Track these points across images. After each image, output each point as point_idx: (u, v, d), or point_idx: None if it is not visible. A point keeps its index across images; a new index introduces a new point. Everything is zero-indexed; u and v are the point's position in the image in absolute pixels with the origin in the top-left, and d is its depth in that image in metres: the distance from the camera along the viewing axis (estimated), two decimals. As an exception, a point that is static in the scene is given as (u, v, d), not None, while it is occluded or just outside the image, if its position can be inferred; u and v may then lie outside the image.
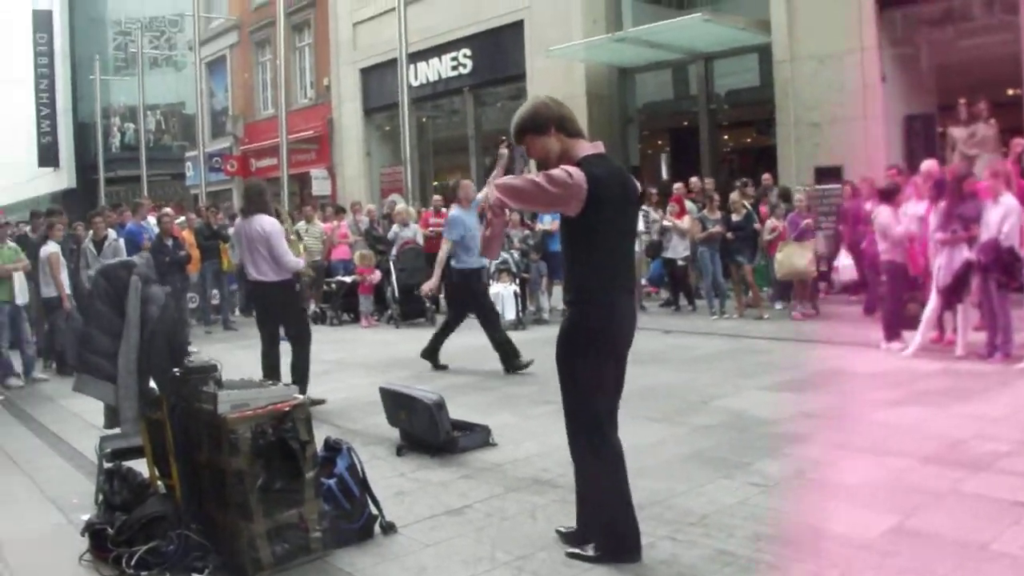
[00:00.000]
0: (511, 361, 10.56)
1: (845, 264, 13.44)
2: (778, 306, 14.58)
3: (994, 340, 9.88)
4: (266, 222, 9.03)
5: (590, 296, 4.52)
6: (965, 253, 9.93)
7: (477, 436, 7.28)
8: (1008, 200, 9.77)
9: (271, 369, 9.05)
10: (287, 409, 4.85)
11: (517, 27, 22.49)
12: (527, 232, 15.37)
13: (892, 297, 11.08)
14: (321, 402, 9.03)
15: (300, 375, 9.08)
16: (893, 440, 6.86)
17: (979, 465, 6.12)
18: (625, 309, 4.64)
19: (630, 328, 4.70)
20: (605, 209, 4.37)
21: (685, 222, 14.92)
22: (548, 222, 15.51)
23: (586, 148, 4.53)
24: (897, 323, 10.88)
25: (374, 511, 5.27)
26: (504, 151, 4.96)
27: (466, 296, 11.00)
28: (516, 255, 15.00)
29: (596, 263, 4.49)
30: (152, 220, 15.50)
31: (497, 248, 4.85)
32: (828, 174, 15.80)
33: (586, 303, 4.53)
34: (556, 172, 4.32)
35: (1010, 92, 15.87)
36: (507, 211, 4.52)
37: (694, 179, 16.70)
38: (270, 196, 9.99)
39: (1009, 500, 5.42)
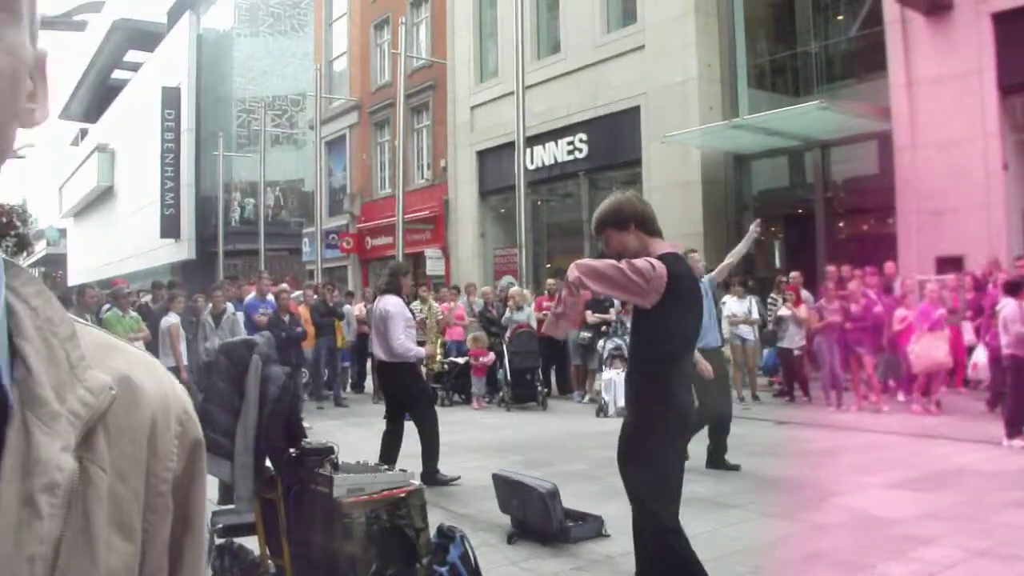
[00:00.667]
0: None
1: (981, 362, 13.16)
2: (900, 398, 14.29)
3: None
4: (390, 303, 9.24)
5: (657, 397, 4.56)
6: None
7: (590, 526, 7.27)
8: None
9: (388, 449, 9.18)
10: (403, 495, 4.94)
11: (634, 112, 22.71)
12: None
13: (1016, 393, 10.81)
14: (456, 479, 9.16)
15: (428, 454, 9.25)
16: (1020, 543, 6.70)
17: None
18: (691, 411, 4.72)
19: (692, 430, 4.87)
20: (680, 305, 4.47)
21: (802, 311, 14.81)
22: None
23: (664, 247, 4.66)
24: (1020, 420, 10.60)
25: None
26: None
27: None
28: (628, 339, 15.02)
29: (674, 358, 4.57)
30: (271, 296, 15.91)
31: (564, 328, 4.92)
32: (950, 264, 15.55)
33: (655, 404, 4.58)
34: (640, 262, 4.41)
35: None
36: (583, 291, 4.56)
37: (831, 267, 16.49)
38: (407, 278, 10.16)
39: None
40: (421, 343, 10.73)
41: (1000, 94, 16.21)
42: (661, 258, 4.48)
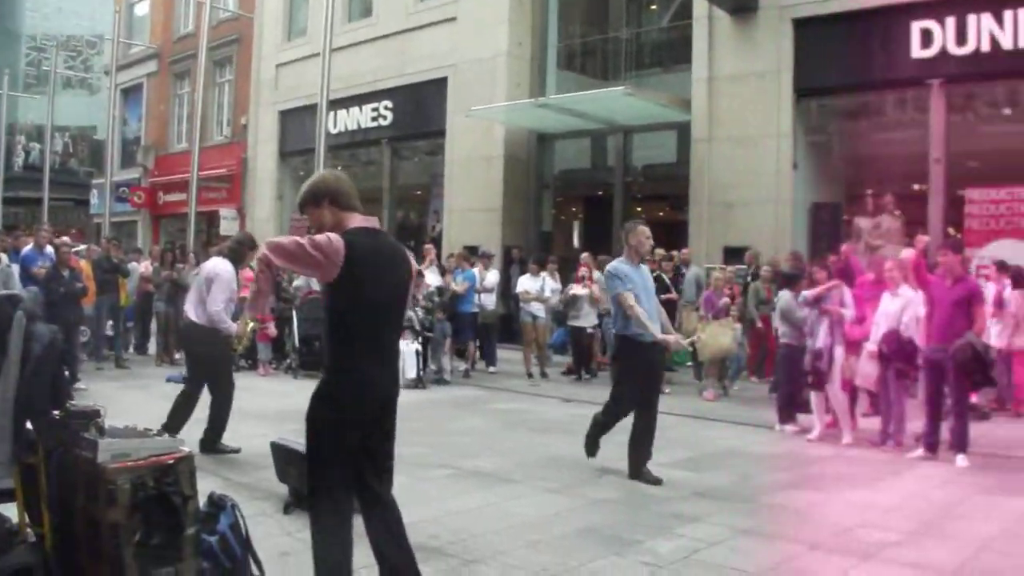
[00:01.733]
0: None
1: None
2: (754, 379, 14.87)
3: (887, 428, 10.09)
4: (224, 268, 8.95)
5: (340, 366, 4.58)
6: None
7: (366, 496, 7.09)
8: (907, 291, 10.05)
9: (177, 412, 8.86)
10: (171, 462, 4.66)
11: (441, 84, 22.60)
12: (432, 289, 15.23)
13: (787, 380, 11.24)
14: (236, 450, 8.84)
15: (215, 424, 8.92)
16: (783, 523, 6.93)
17: (867, 553, 6.18)
18: (379, 381, 4.68)
19: (385, 401, 4.78)
20: (362, 280, 4.48)
21: (595, 290, 14.97)
22: (459, 283, 15.49)
23: (356, 221, 4.66)
24: (791, 406, 11.02)
25: (255, 572, 5.09)
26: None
27: None
28: (420, 313, 14.84)
29: (351, 330, 4.58)
30: (50, 249, 14.84)
31: (263, 304, 5.19)
32: (736, 254, 16.06)
33: (335, 373, 4.60)
34: (320, 236, 4.43)
35: (916, 187, 16.38)
36: (273, 269, 4.63)
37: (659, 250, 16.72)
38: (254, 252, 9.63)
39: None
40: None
41: (795, 96, 16.86)
42: (348, 232, 4.52)
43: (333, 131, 23.83)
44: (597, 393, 13.78)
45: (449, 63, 22.32)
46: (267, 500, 7.14)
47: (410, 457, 8.88)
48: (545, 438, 10.39)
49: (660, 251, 15.23)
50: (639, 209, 21.45)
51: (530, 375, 15.57)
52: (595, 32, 22.30)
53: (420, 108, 23.33)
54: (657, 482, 8.06)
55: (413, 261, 5.00)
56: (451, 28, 22.42)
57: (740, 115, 17.25)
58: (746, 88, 17.28)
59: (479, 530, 6.46)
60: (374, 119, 24.63)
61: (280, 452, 7.25)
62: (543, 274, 16.22)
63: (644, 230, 8.56)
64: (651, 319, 8.25)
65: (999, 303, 12.33)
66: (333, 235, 4.45)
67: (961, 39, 15.17)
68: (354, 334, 4.57)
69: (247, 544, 5.07)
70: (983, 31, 14.98)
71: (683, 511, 7.18)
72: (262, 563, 5.07)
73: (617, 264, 8.54)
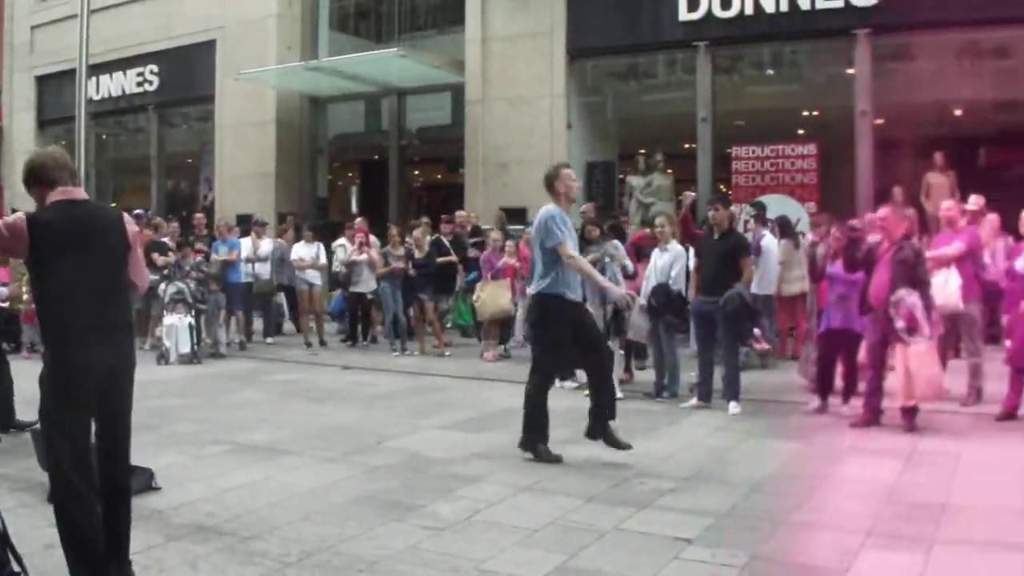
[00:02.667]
0: None
1: None
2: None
3: (661, 380, 10.26)
4: None
5: (52, 347, 4.55)
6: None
7: (138, 479, 6.59)
8: (675, 247, 10.25)
9: None
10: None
11: (209, 46, 21.60)
12: (199, 259, 14.54)
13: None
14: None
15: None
16: (562, 479, 6.95)
17: (642, 503, 6.26)
18: (89, 353, 4.52)
19: (102, 371, 4.59)
20: (53, 253, 4.45)
21: (373, 255, 14.68)
22: (225, 252, 14.88)
23: (55, 195, 4.61)
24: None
25: (16, 567, 4.62)
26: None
27: None
28: (192, 285, 14.15)
29: (52, 305, 4.55)
30: None
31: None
32: (513, 215, 16.06)
33: (49, 354, 4.57)
34: (10, 216, 4.49)
35: (686, 146, 16.84)
36: None
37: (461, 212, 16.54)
38: None
39: (670, 536, 5.55)
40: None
41: (568, 57, 16.99)
42: (39, 210, 4.56)
43: (96, 97, 22.47)
44: (377, 359, 13.64)
45: (217, 25, 21.36)
46: (30, 491, 6.57)
47: (185, 435, 8.53)
48: (323, 407, 10.15)
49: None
50: (416, 172, 21.37)
51: (308, 344, 15.18)
52: (368, -8, 21.86)
53: (188, 72, 22.23)
54: (626, 447, 7.49)
55: (131, 227, 4.81)
56: (220, -12, 21.46)
57: (514, 76, 17.30)
58: (519, 49, 17.31)
59: (256, 505, 6.23)
60: (139, 84, 23.31)
61: (41, 439, 6.67)
62: (316, 242, 15.75)
63: (569, 172, 7.92)
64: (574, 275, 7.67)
65: (756, 251, 12.70)
66: (18, 214, 4.44)
67: (726, 3, 15.67)
68: (61, 311, 4.48)
69: (5, 538, 4.61)
70: (748, -6, 15.46)
71: (463, 472, 7.13)
72: (22, 558, 4.60)
73: (551, 207, 7.70)
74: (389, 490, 6.64)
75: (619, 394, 10.20)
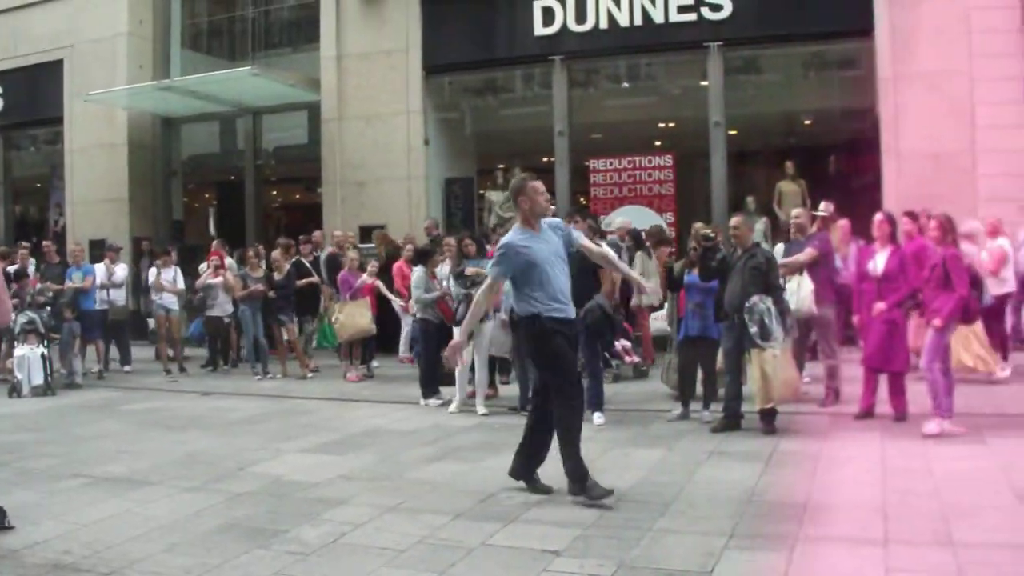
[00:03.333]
0: None
1: None
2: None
3: (526, 394, 10.24)
4: None
5: None
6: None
7: (-11, 519, 6.30)
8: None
9: None
10: None
11: (56, 66, 20.76)
12: (39, 287, 13.95)
13: (427, 354, 11.25)
14: None
15: None
16: (428, 497, 6.88)
17: (510, 517, 6.24)
18: None
19: None
20: None
21: (229, 278, 14.34)
22: (79, 279, 14.34)
23: None
24: (433, 380, 11.00)
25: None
26: None
27: None
28: (45, 314, 13.56)
29: None
30: None
31: None
32: (370, 233, 15.93)
33: None
34: None
35: (544, 160, 16.97)
36: None
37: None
38: None
39: (538, 549, 5.54)
40: None
41: (425, 73, 16.97)
42: None
43: (-64, 119, 21.45)
44: (239, 384, 13.36)
45: (65, 44, 20.55)
46: None
47: (39, 470, 8.21)
48: (184, 435, 9.85)
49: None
50: (274, 193, 21.01)
51: (168, 371, 14.74)
52: (221, 11, 21.41)
53: (35, 93, 21.32)
54: (547, 491, 6.89)
55: None
56: (67, 5, 20.65)
57: (370, 93, 17.19)
58: (375, 66, 17.21)
59: (115, 539, 5.98)
60: (-17, 105, 22.31)
61: None
62: (174, 266, 15.29)
63: (536, 186, 6.89)
64: (560, 291, 6.86)
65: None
66: None
67: (581, 17, 15.89)
68: None
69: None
70: (601, 9, 15.77)
71: (328, 495, 7.00)
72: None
73: (508, 239, 6.91)
74: (252, 517, 6.47)
75: (483, 410, 10.24)
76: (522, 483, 7.02)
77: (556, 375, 6.81)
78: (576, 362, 7.18)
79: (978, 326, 10.51)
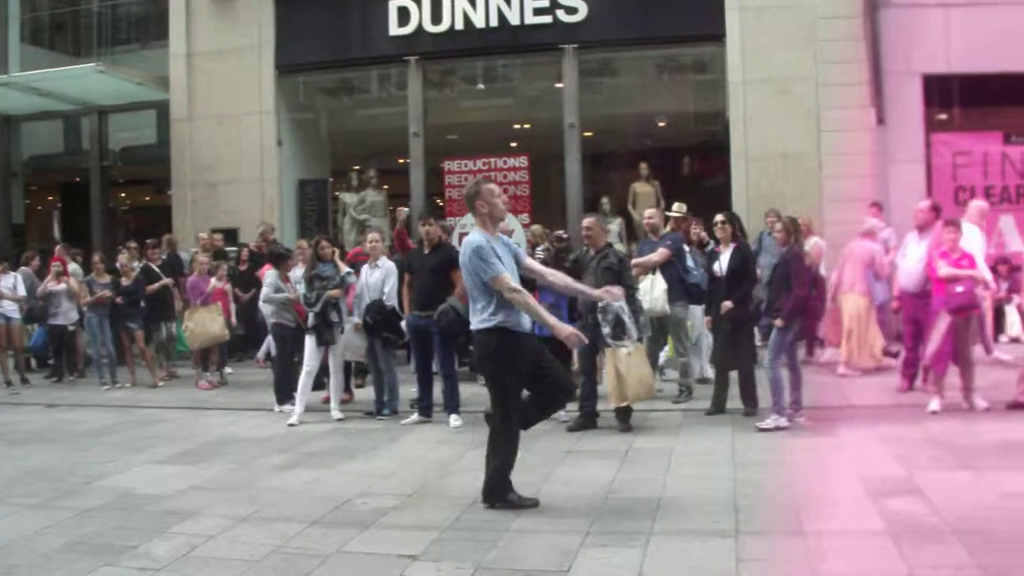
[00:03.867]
0: None
1: None
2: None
3: (382, 398, 10.22)
4: None
5: None
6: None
7: None
8: (386, 263, 10.35)
9: None
10: None
11: None
12: None
13: (282, 359, 11.10)
14: None
15: None
16: (282, 505, 6.79)
17: (366, 523, 6.21)
18: None
19: None
20: None
21: (73, 284, 13.83)
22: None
23: None
24: (288, 385, 10.82)
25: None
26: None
27: None
28: None
29: None
30: None
31: None
32: (225, 236, 15.57)
33: None
34: None
35: (400, 161, 16.86)
36: None
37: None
38: None
39: (395, 554, 5.53)
40: None
41: (277, 72, 16.69)
42: None
43: None
44: (86, 394, 12.94)
45: None
46: None
47: None
48: (26, 450, 9.43)
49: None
50: (122, 195, 20.36)
51: (9, 383, 14.09)
52: (65, 4, 20.57)
53: None
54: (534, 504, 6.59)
55: None
56: None
57: (221, 93, 16.80)
58: (227, 65, 16.82)
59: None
60: None
61: None
62: (13, 272, 14.58)
63: (492, 188, 6.70)
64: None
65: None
66: None
67: (436, 17, 15.81)
68: None
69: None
70: (457, 10, 15.73)
71: (179, 507, 6.82)
72: None
73: (476, 236, 6.57)
74: (100, 533, 6.26)
75: (338, 415, 10.14)
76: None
77: (509, 394, 6.57)
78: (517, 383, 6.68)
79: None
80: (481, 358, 6.73)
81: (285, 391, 10.82)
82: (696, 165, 18.72)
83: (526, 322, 6.56)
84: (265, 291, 11.21)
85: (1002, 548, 5.25)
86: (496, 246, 6.51)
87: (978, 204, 11.79)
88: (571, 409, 9.50)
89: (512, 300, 6.40)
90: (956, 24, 14.26)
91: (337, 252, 11.11)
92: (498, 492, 6.52)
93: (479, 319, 6.53)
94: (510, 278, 6.41)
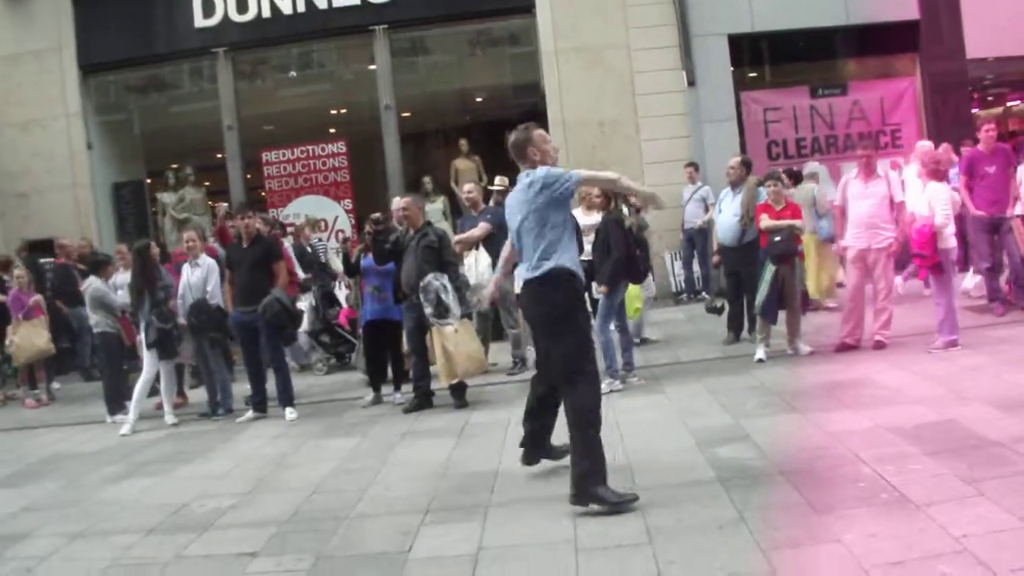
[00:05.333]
0: None
1: None
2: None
3: (215, 398, 10.13)
4: None
5: None
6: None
7: None
8: (207, 260, 10.21)
9: None
10: None
11: None
12: None
13: (110, 368, 10.85)
14: None
15: None
16: (118, 517, 6.68)
17: (204, 525, 6.18)
18: None
19: None
20: None
21: None
22: None
23: None
24: (118, 394, 10.61)
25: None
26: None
27: None
28: None
29: None
30: None
31: None
32: (41, 247, 14.99)
33: None
34: None
35: (218, 156, 16.55)
36: None
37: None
38: None
39: (234, 553, 5.54)
40: None
41: (82, 74, 16.14)
42: None
43: None
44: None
45: None
46: None
47: None
48: None
49: None
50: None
51: None
52: None
53: None
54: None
55: None
56: None
57: (23, 98, 16.08)
58: (26, 69, 16.12)
59: None
60: None
61: None
62: None
63: (543, 134, 6.12)
64: None
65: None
66: None
67: (242, 6, 15.59)
68: None
69: None
70: (263, -2, 15.51)
71: (10, 531, 6.62)
72: None
73: (537, 171, 5.87)
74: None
75: (172, 419, 9.98)
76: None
77: (583, 349, 5.92)
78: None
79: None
80: (539, 309, 5.97)
81: (116, 401, 10.54)
82: (519, 137, 18.89)
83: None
84: (95, 296, 10.78)
85: (827, 484, 5.58)
86: None
87: (922, 146, 11.52)
88: (407, 391, 9.66)
89: (614, 184, 6.46)
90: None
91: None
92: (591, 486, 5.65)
93: (535, 265, 5.84)
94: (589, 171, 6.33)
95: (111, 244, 14.53)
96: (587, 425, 5.68)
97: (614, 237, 9.09)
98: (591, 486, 5.54)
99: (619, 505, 5.51)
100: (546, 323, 5.93)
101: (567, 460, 5.91)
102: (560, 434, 6.15)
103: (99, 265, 11.09)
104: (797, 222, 10.01)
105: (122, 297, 10.59)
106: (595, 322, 9.18)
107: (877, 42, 15.87)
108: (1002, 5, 14.93)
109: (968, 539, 4.45)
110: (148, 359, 10.07)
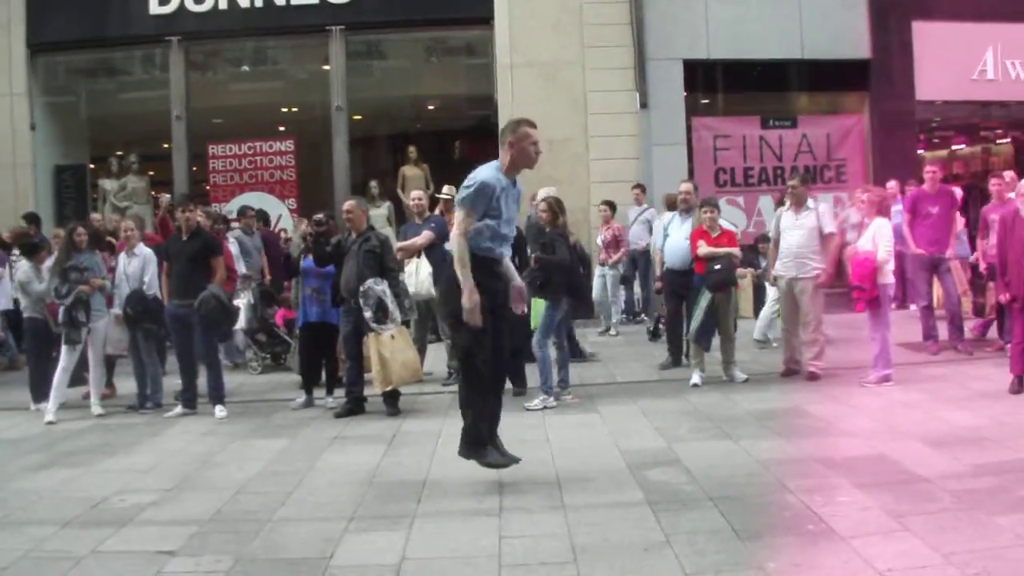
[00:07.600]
0: None
1: None
2: None
3: (144, 391, 9.95)
4: None
5: None
6: None
7: None
8: (144, 250, 10.07)
9: None
10: None
11: None
12: None
13: (36, 355, 10.61)
14: None
15: None
16: (34, 508, 6.52)
17: (123, 520, 6.04)
18: None
19: None
20: None
21: None
22: None
23: None
24: (43, 381, 10.29)
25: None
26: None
27: None
28: None
29: None
30: None
31: None
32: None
33: None
34: None
35: (164, 146, 16.35)
36: None
37: None
38: None
39: (152, 551, 5.42)
40: None
41: (29, 52, 15.88)
42: None
43: None
44: None
45: None
46: None
47: None
48: None
49: None
50: None
51: None
52: None
53: None
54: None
55: None
56: None
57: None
58: (-30, 44, 15.83)
59: None
60: None
61: None
62: None
63: (529, 133, 6.22)
64: None
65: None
66: None
67: (199, -4, 15.40)
68: None
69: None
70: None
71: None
72: None
73: (487, 172, 6.18)
74: None
75: (99, 410, 9.79)
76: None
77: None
78: None
79: None
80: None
81: (40, 389, 10.22)
82: (467, 148, 18.95)
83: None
84: (19, 280, 10.58)
85: (755, 511, 5.62)
86: (503, 187, 6.17)
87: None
88: (339, 395, 9.58)
89: (452, 239, 6.31)
90: (715, 12, 15.08)
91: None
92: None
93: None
94: (470, 222, 6.04)
95: (49, 228, 14.28)
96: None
97: (560, 251, 9.11)
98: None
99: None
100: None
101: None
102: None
103: (31, 249, 10.85)
104: (735, 250, 10.13)
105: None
106: (535, 336, 9.20)
107: (829, 78, 16.14)
108: (953, 50, 15.20)
109: (892, 573, 4.51)
110: (66, 347, 9.86)
